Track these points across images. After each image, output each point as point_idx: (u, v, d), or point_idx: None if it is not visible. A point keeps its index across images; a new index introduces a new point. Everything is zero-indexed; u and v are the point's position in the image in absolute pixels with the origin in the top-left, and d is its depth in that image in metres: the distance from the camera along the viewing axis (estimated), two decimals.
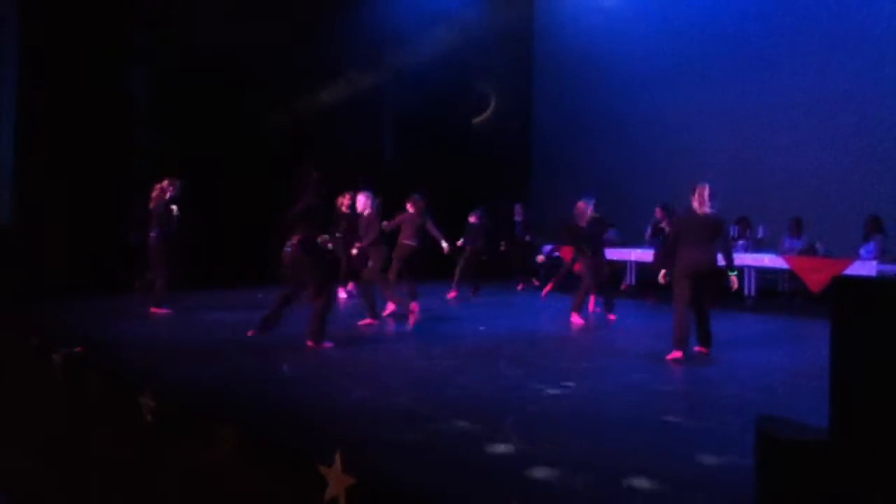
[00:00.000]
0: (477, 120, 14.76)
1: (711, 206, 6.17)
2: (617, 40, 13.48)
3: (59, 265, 9.62)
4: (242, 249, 10.79)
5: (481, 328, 7.81)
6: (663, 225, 10.21)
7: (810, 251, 9.89)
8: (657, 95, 12.92)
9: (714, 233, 6.21)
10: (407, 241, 8.65)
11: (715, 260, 6.21)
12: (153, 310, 8.21)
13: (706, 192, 6.16)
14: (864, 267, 8.83)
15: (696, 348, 6.27)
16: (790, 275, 10.20)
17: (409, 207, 8.76)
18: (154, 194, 8.26)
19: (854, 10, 10.76)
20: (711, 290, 6.37)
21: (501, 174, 14.08)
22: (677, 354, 6.01)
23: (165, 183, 8.27)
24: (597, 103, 13.84)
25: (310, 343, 6.27)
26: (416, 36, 12.84)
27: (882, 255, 9.06)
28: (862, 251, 9.28)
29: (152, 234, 8.14)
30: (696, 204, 6.22)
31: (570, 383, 5.12)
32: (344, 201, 9.77)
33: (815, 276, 9.31)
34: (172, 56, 10.75)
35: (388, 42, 12.77)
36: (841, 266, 8.98)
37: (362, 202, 8.00)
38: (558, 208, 12.77)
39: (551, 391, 4.87)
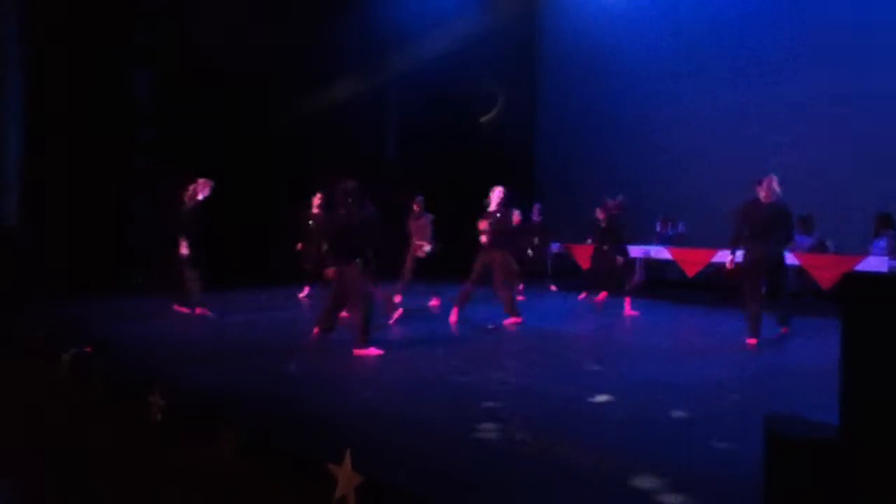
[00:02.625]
0: (483, 119, 14.72)
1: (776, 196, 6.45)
2: (620, 40, 13.42)
3: (62, 265, 9.67)
4: (243, 251, 10.80)
5: (490, 327, 7.81)
6: (600, 219, 9.82)
7: (820, 248, 9.83)
8: (661, 95, 12.87)
9: (776, 222, 6.44)
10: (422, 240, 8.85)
11: (779, 251, 6.46)
12: (176, 307, 8.22)
13: (774, 183, 6.47)
14: (874, 263, 8.76)
15: (783, 329, 6.78)
16: (800, 272, 10.14)
17: (416, 208, 8.91)
18: (187, 195, 8.11)
19: (860, 8, 10.68)
20: (777, 279, 6.66)
21: (505, 174, 14.03)
22: (752, 341, 6.50)
23: (200, 183, 8.11)
24: (600, 103, 13.80)
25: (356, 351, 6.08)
26: (418, 37, 12.82)
27: (893, 252, 8.99)
28: (872, 248, 9.21)
29: (182, 236, 8.06)
30: (762, 194, 6.48)
31: (577, 382, 5.11)
32: (314, 201, 9.75)
33: (826, 272, 9.24)
34: (174, 56, 10.77)
35: (390, 43, 12.76)
36: (851, 263, 8.91)
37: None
38: (562, 208, 12.78)
39: (558, 390, 4.86)
